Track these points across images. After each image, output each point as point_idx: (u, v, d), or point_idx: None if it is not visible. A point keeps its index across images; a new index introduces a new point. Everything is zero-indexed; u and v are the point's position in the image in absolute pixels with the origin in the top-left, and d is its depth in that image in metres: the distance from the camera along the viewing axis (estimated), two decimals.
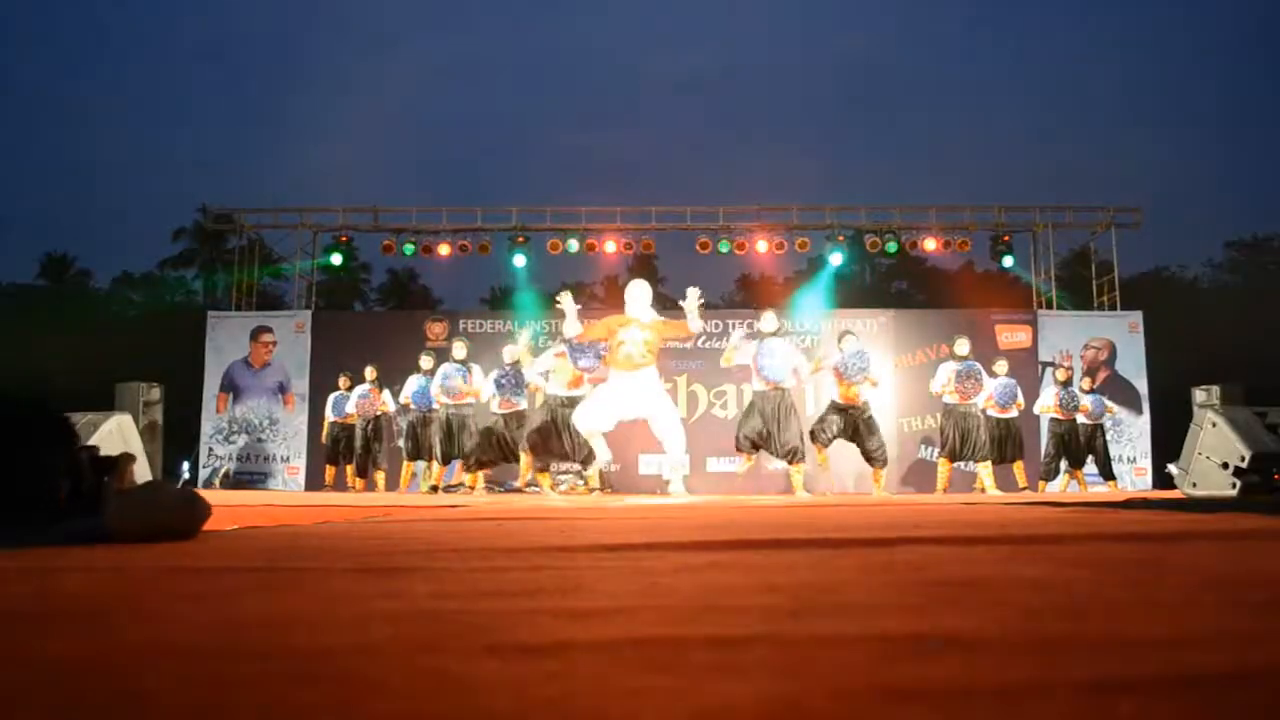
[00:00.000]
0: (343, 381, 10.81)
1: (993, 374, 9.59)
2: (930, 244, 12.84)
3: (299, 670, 0.60)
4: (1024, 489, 9.87)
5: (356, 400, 10.55)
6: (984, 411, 9.48)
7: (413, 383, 9.97)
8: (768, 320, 8.43)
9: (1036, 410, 10.55)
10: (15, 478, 1.64)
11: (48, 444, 1.71)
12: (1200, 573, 1.34)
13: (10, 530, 1.60)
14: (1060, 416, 10.25)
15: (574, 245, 12.82)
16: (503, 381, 8.89)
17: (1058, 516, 3.05)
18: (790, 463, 8.33)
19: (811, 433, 8.57)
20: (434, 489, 9.61)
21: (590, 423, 7.60)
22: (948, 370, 9.34)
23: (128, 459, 1.86)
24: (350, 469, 10.87)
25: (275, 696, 0.53)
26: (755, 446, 8.33)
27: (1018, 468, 10.05)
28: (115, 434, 7.76)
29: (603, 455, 7.77)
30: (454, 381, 9.32)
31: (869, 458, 8.69)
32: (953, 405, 9.31)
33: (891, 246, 12.77)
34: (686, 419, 11.86)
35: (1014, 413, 9.82)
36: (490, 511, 3.83)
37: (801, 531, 2.24)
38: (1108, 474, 10.44)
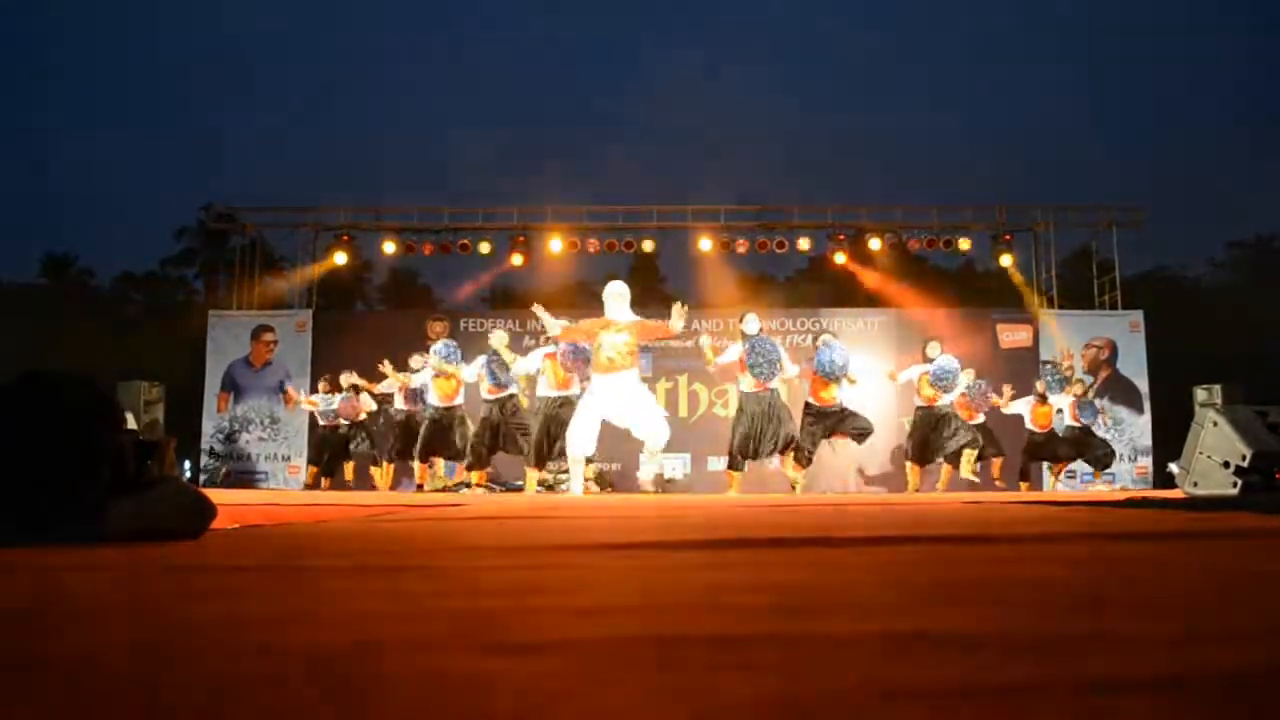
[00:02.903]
0: (322, 386, 10.99)
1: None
2: (928, 244, 12.85)
3: (300, 669, 0.60)
4: (997, 482, 10.10)
5: (340, 403, 10.66)
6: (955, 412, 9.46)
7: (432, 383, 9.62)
8: (750, 322, 8.36)
9: (1014, 408, 10.58)
10: (64, 461, 1.62)
11: (97, 427, 1.68)
12: (1201, 572, 1.34)
13: (38, 520, 1.58)
14: (1074, 422, 10.32)
15: (574, 245, 12.84)
16: (492, 367, 8.71)
17: (1058, 515, 3.05)
18: (788, 453, 8.35)
19: (795, 447, 8.43)
20: (445, 489, 9.62)
21: (579, 447, 7.47)
22: (917, 370, 9.36)
23: (168, 443, 1.82)
24: (349, 466, 10.96)
25: (276, 696, 0.54)
26: (745, 456, 8.26)
27: (995, 465, 10.16)
28: None
29: (575, 490, 7.49)
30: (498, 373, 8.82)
31: (856, 437, 8.76)
32: (924, 408, 9.33)
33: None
34: (687, 419, 11.87)
35: (980, 418, 9.85)
36: (491, 510, 3.83)
37: (802, 531, 2.24)
38: (1102, 466, 10.47)
